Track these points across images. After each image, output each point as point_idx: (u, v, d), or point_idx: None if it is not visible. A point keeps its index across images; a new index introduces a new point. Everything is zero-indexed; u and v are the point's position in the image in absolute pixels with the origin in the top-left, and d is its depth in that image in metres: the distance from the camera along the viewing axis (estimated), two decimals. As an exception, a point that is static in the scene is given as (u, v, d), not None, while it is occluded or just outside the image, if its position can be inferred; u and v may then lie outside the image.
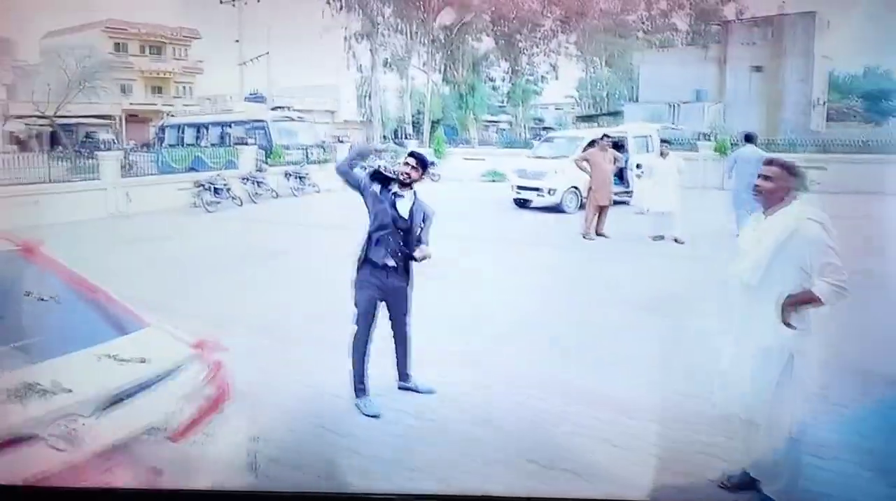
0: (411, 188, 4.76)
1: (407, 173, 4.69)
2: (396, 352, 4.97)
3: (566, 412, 4.64)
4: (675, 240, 10.99)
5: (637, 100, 34.09)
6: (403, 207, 4.74)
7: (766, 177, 3.55)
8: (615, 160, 11.83)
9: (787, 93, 30.09)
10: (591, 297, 7.81)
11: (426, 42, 30.63)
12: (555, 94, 46.55)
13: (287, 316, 7.06)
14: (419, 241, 4.77)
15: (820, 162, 18.34)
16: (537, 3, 34.48)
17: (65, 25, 36.12)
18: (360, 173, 4.83)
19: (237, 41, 30.85)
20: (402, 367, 4.99)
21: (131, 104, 37.67)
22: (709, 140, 21.16)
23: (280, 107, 22.56)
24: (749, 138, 11.85)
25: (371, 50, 30.59)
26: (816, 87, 31.07)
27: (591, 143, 14.49)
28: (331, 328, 6.32)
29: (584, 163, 11.72)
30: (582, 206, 14.32)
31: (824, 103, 32.78)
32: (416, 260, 4.76)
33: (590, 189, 11.66)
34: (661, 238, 11.16)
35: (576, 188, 14.40)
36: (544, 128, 42.58)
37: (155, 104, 38.33)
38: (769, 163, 3.62)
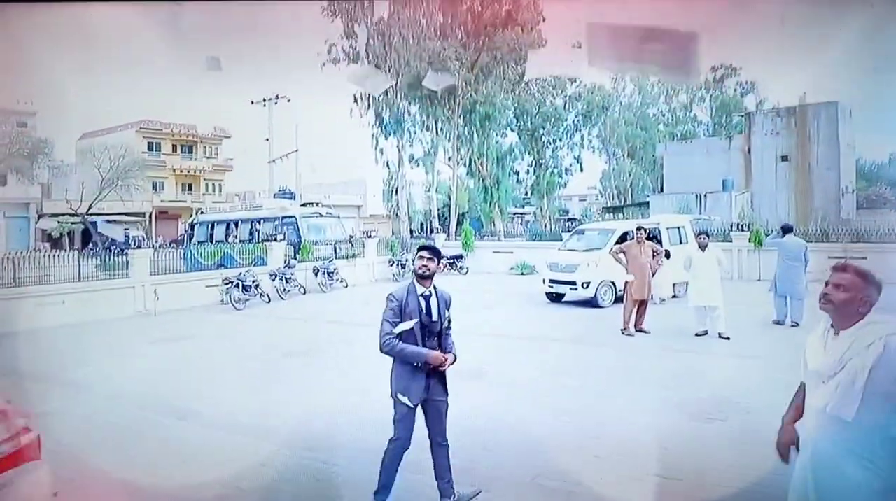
0: (431, 281, 4.59)
1: (425, 266, 4.51)
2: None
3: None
4: (720, 336, 10.46)
5: (662, 191, 34.15)
6: (433, 306, 4.56)
7: (838, 286, 3.01)
8: (654, 253, 11.47)
9: (816, 182, 29.89)
10: (632, 399, 7.25)
11: (451, 138, 31.27)
12: (579, 186, 47.08)
13: (310, 420, 6.62)
14: (447, 336, 4.61)
15: (857, 250, 17.89)
16: (559, 98, 35.39)
17: (101, 126, 37.80)
18: (396, 328, 4.48)
19: (267, 139, 31.88)
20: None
21: (162, 201, 38.70)
22: (742, 230, 20.82)
23: (309, 204, 22.79)
24: (787, 229, 11.87)
25: (398, 146, 31.28)
26: (844, 176, 30.85)
27: (623, 236, 14.37)
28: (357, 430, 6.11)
29: (621, 256, 11.38)
30: (618, 300, 13.97)
31: (853, 191, 32.47)
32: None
33: (626, 283, 11.27)
34: (705, 333, 10.66)
35: (611, 282, 14.07)
36: (569, 220, 42.76)
37: (185, 201, 39.33)
38: (842, 269, 3.09)
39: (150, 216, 37.62)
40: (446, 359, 4.45)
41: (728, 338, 10.35)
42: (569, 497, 4.76)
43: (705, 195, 30.26)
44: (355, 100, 31.20)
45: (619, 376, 8.52)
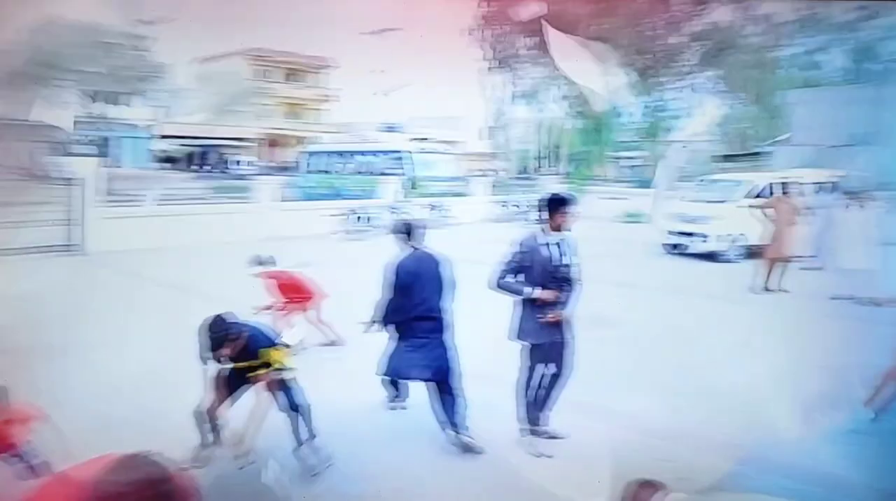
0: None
1: (566, 220, 4.60)
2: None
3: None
4: (872, 302, 9.75)
5: (788, 142, 31.96)
6: (564, 252, 4.62)
7: None
8: (800, 210, 10.77)
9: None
10: (769, 359, 6.86)
11: (563, 75, 30.19)
12: (691, 132, 44.72)
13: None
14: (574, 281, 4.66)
15: None
16: (675, 37, 33.30)
17: (214, 52, 38.69)
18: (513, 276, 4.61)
19: (382, 71, 31.75)
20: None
21: (272, 128, 39.61)
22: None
23: (421, 139, 22.69)
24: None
25: (508, 82, 30.49)
26: None
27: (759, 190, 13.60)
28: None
29: (769, 211, 10.73)
30: (749, 256, 13.31)
31: None
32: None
33: (768, 239, 10.67)
34: (851, 298, 9.98)
35: (742, 235, 13.36)
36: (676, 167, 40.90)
37: (293, 129, 40.15)
38: None
39: (260, 143, 38.71)
40: (556, 297, 4.46)
41: (879, 305, 9.66)
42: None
43: (833, 148, 28.12)
44: (469, 32, 30.53)
45: (757, 334, 8.09)
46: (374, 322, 4.91)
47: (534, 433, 4.71)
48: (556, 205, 4.56)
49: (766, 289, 10.55)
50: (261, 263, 7.02)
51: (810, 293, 10.42)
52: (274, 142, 40.58)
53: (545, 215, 4.58)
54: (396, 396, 5.41)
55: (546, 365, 4.63)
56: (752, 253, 13.39)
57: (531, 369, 4.64)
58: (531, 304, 4.53)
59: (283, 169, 30.84)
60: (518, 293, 4.53)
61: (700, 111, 37.60)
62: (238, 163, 35.49)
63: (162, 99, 34.98)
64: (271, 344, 4.22)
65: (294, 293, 7.02)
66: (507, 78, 31.14)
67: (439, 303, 4.79)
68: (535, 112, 33.83)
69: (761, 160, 31.02)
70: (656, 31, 32.78)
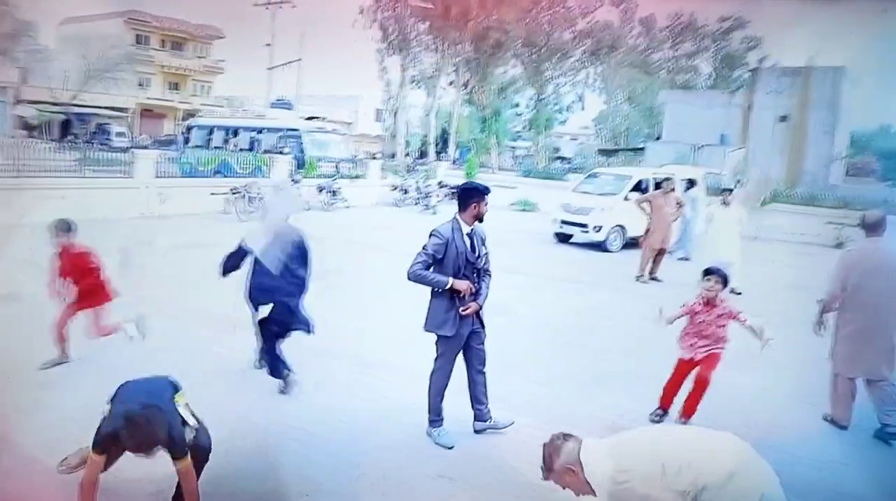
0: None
1: (483, 211, 4.62)
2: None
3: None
4: (733, 291, 10.64)
5: (659, 139, 34.06)
6: (476, 243, 4.66)
7: None
8: (678, 204, 11.55)
9: (811, 145, 30.06)
10: (650, 344, 7.41)
11: (457, 63, 30.41)
12: (571, 126, 46.63)
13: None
14: (484, 272, 4.73)
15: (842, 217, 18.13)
16: (568, 33, 34.49)
17: (87, 12, 35.82)
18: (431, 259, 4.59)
19: (268, 45, 30.54)
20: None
21: (148, 98, 37.20)
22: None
23: (314, 118, 22.10)
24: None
25: (402, 65, 30.33)
26: (839, 141, 31.10)
27: (638, 183, 14.47)
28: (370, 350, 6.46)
29: (645, 205, 11.43)
30: (627, 246, 14.13)
31: (844, 158, 32.83)
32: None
33: (647, 231, 11.37)
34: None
35: (621, 227, 14.17)
36: (560, 159, 42.53)
37: (172, 100, 37.91)
38: None
39: (134, 113, 36.22)
40: (470, 288, 4.51)
41: (740, 294, 10.56)
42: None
43: (701, 147, 30.26)
44: (361, 12, 30.04)
45: (638, 320, 8.65)
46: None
47: (478, 429, 4.80)
48: (471, 195, 4.56)
49: (641, 278, 11.24)
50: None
51: (684, 282, 11.21)
52: (151, 113, 38.17)
53: (462, 205, 4.59)
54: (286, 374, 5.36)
55: (464, 354, 4.71)
56: (634, 243, 14.28)
57: (445, 360, 4.68)
58: (446, 295, 4.53)
59: (162, 142, 29.11)
60: (437, 284, 4.50)
61: (583, 106, 39.30)
62: (109, 133, 33.01)
63: (26, 60, 31.93)
64: None
65: (77, 274, 5.51)
66: (400, 61, 30.98)
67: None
68: (428, 97, 33.94)
69: (638, 156, 32.89)
70: (544, 26, 33.77)
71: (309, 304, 5.47)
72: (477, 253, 4.60)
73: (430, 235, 4.52)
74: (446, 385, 4.70)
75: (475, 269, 4.62)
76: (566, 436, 2.99)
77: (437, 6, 28.09)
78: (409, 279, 4.53)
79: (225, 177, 18.25)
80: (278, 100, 27.46)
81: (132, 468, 3.48)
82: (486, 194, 4.60)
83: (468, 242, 4.55)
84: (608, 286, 11.10)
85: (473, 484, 4.12)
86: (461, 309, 4.51)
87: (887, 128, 48.62)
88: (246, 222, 14.80)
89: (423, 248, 4.50)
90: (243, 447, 4.34)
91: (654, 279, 11.35)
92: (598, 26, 35.42)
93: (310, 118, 21.54)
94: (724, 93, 33.83)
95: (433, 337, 4.68)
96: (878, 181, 35.59)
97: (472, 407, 4.80)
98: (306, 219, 16.19)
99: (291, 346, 5.48)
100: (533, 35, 32.78)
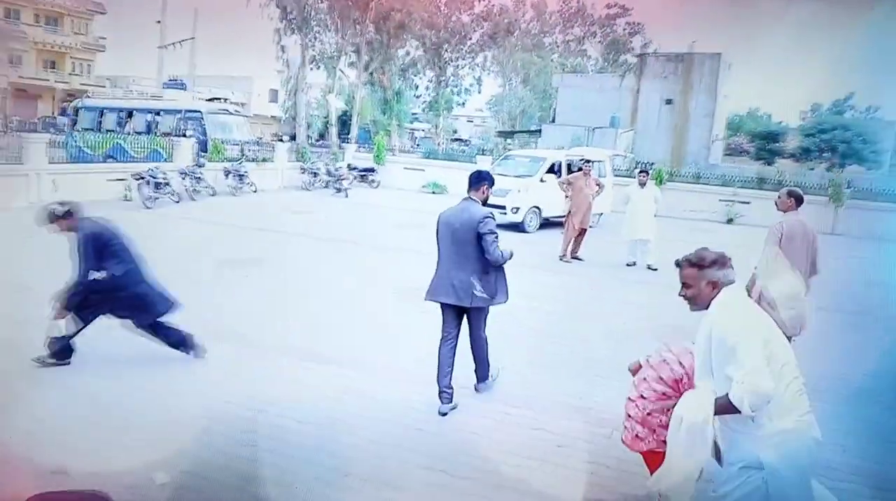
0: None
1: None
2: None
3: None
4: (649, 267, 11.30)
5: (553, 121, 35.14)
6: None
7: (684, 285, 3.22)
8: (598, 186, 12.06)
9: (693, 127, 32.06)
10: (574, 322, 7.80)
11: (358, 43, 29.88)
12: (469, 108, 47.17)
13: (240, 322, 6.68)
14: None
15: (735, 195, 19.54)
16: (466, 16, 34.77)
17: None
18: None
19: (159, 22, 28.64)
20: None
21: (20, 77, 33.96)
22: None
23: (216, 99, 21.09)
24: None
25: (302, 45, 29.42)
26: (717, 124, 33.34)
27: (551, 166, 14.98)
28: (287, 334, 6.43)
29: (567, 187, 11.86)
30: (542, 226, 14.61)
31: (722, 139, 35.26)
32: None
33: (569, 212, 11.81)
34: (634, 264, 11.48)
35: (537, 208, 14.60)
36: (458, 140, 43.00)
37: (48, 79, 34.86)
38: (679, 266, 3.28)
39: (5, 93, 33.07)
40: None
41: (656, 270, 11.23)
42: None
43: (594, 129, 31.56)
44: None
45: (562, 299, 9.03)
46: None
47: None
48: (484, 179, 5.03)
49: (563, 258, 11.69)
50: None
51: (605, 261, 11.79)
52: (25, 93, 35.00)
53: (475, 187, 5.00)
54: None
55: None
56: (549, 224, 14.76)
57: (451, 327, 5.07)
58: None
59: (45, 125, 26.78)
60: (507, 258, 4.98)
61: (479, 89, 39.82)
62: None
63: None
64: None
65: None
66: (300, 40, 30.04)
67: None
68: (328, 78, 33.21)
69: (534, 137, 33.79)
70: (443, 9, 33.84)
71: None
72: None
73: (486, 218, 4.82)
74: (454, 354, 5.12)
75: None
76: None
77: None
78: (505, 262, 4.97)
79: (117, 161, 17.22)
80: (171, 79, 25.99)
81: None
82: (493, 183, 5.11)
83: None
84: (530, 265, 11.44)
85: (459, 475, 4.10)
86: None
87: (755, 111, 52.69)
88: (152, 209, 14.08)
89: (491, 232, 4.82)
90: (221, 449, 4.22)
91: (576, 258, 11.82)
92: (495, 10, 36.01)
93: (211, 99, 20.56)
94: (614, 76, 35.33)
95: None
96: (752, 160, 38.57)
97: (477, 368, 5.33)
98: (217, 206, 15.62)
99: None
100: (433, 17, 32.78)
